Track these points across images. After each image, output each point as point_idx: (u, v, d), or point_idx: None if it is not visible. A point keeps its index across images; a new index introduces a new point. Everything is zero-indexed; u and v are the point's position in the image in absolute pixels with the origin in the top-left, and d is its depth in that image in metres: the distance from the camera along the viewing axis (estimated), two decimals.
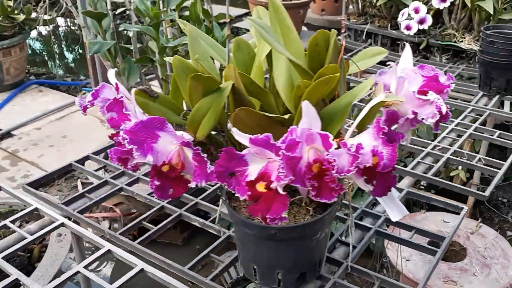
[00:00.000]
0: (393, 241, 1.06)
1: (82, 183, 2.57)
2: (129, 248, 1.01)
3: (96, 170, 1.28)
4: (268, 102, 0.78)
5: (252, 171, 0.66)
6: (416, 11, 1.79)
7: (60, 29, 5.19)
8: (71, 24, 5.17)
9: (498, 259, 1.63)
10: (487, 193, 1.19)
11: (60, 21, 5.19)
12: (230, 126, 0.86)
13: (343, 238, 1.03)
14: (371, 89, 0.77)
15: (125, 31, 2.01)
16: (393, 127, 0.70)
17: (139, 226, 1.08)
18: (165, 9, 1.68)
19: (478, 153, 1.94)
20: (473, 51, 1.90)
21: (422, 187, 2.31)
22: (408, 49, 0.77)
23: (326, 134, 0.59)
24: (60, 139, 2.92)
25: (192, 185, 0.70)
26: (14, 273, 0.90)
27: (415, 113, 0.67)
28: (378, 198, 0.83)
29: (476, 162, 1.30)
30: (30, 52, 4.41)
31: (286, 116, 0.70)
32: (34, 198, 1.15)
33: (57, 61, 4.33)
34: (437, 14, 2.04)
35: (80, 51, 4.58)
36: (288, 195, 0.85)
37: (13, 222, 1.06)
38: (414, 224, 1.60)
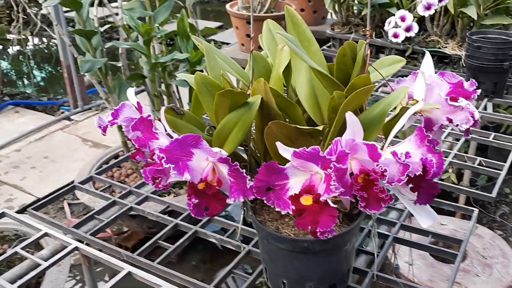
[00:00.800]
0: (413, 247, 1.08)
1: (69, 204, 2.51)
2: (148, 268, 0.99)
3: (101, 191, 1.25)
4: (295, 115, 0.78)
5: (293, 185, 0.65)
6: (403, 19, 1.83)
7: (34, 48, 5.09)
8: (45, 44, 5.07)
9: (498, 258, 1.67)
10: (494, 194, 1.22)
11: (34, 40, 5.09)
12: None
13: (363, 246, 1.04)
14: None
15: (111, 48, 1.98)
16: None
17: (155, 246, 1.06)
18: (154, 25, 1.67)
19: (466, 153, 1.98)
20: (457, 56, 1.95)
21: None
22: (428, 57, 0.79)
23: (373, 145, 0.59)
24: (41, 160, 2.85)
25: (230, 201, 0.69)
26: None
27: (449, 119, 0.68)
28: (404, 202, 0.83)
29: (477, 165, 1.33)
30: (2, 73, 4.29)
31: (320, 127, 0.70)
32: (40, 222, 1.12)
33: (32, 81, 4.23)
34: (419, 22, 2.09)
35: (54, 70, 4.48)
36: None
37: (23, 248, 1.03)
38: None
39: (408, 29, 1.83)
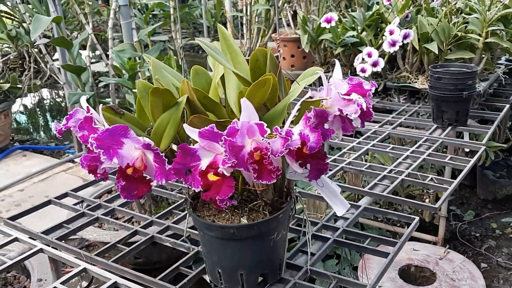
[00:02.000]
0: (353, 248, 1.15)
1: None
2: (103, 266, 1.07)
3: (74, 205, 1.36)
4: (221, 114, 0.89)
5: (204, 165, 0.76)
6: (369, 55, 1.96)
7: (45, 97, 5.37)
8: (55, 95, 5.34)
9: (466, 281, 1.70)
10: (437, 205, 1.29)
11: (45, 92, 5.37)
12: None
13: (308, 249, 1.11)
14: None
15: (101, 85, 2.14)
16: (326, 126, 0.81)
17: (113, 249, 1.15)
18: (140, 61, 1.83)
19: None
20: (427, 90, 2.07)
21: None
22: (337, 65, 0.90)
23: (261, 123, 0.70)
24: (42, 199, 2.95)
25: (154, 183, 0.80)
26: None
27: (340, 110, 0.78)
28: (323, 195, 0.93)
29: (428, 181, 1.41)
30: (14, 121, 4.53)
31: (233, 120, 0.81)
32: (15, 230, 1.22)
33: (41, 129, 4.45)
34: (392, 60, 2.23)
35: (63, 119, 4.70)
36: (247, 203, 0.96)
37: None
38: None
39: (374, 64, 1.96)
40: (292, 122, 0.77)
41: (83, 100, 0.96)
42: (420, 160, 1.56)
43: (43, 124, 4.66)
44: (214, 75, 0.99)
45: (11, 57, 3.69)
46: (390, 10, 2.15)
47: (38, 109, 4.97)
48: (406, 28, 1.98)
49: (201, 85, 1.00)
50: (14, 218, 1.27)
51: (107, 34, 1.99)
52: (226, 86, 0.95)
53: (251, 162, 0.70)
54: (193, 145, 0.77)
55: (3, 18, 3.67)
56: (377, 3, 2.27)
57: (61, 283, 1.01)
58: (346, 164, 1.55)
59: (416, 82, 2.09)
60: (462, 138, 1.98)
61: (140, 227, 1.20)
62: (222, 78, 0.97)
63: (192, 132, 0.74)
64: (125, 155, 0.80)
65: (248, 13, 2.92)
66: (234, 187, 0.71)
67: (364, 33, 2.15)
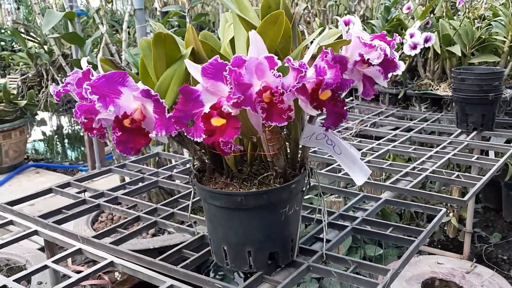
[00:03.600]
0: (373, 237, 1.05)
1: None
2: (98, 248, 0.99)
3: (77, 193, 1.29)
4: None
5: (207, 109, 0.68)
6: None
7: (61, 116, 5.40)
8: (72, 118, 5.37)
9: None
10: (466, 197, 1.18)
11: (63, 116, 5.41)
12: None
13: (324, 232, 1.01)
14: None
15: None
16: (345, 76, 0.73)
17: (114, 232, 1.07)
18: None
19: None
20: (449, 97, 1.98)
21: None
22: (357, 19, 0.83)
23: (271, 56, 0.62)
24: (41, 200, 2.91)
25: (153, 135, 0.72)
26: None
27: (361, 55, 0.71)
28: (341, 163, 0.83)
29: (454, 178, 1.31)
30: (29, 140, 4.54)
31: None
32: (10, 214, 1.15)
33: (56, 148, 4.44)
34: (412, 69, 2.16)
35: (78, 139, 4.70)
36: (256, 176, 0.87)
37: None
38: (407, 266, 1.57)
39: None
40: None
41: (84, 61, 0.90)
42: (445, 159, 1.46)
43: (57, 142, 4.66)
44: (223, 39, 0.92)
45: (30, 75, 3.72)
46: (410, 16, 2.10)
47: (53, 127, 4.98)
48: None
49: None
50: (12, 203, 1.20)
51: (120, 36, 1.96)
52: (236, 47, 0.88)
53: (259, 101, 0.62)
54: None
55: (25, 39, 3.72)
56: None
57: (53, 261, 0.92)
58: (365, 162, 1.46)
59: (438, 89, 2.00)
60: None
61: (143, 213, 1.12)
62: (232, 43, 0.91)
63: (194, 69, 0.66)
64: (123, 105, 0.73)
65: None
66: (239, 129, 0.63)
67: None
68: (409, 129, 1.84)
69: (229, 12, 1.00)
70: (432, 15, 2.10)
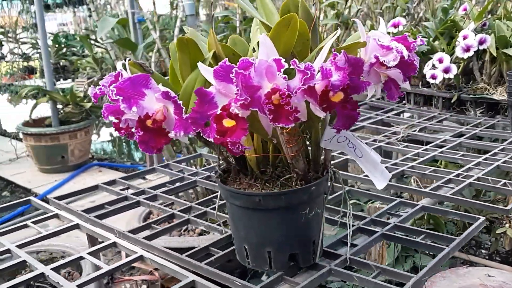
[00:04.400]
0: (404, 244, 1.02)
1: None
2: (132, 242, 1.04)
3: (121, 190, 1.35)
4: None
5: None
6: (440, 61, 1.83)
7: None
8: None
9: None
10: (509, 207, 1.13)
11: None
12: None
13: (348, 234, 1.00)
14: None
15: None
16: (362, 78, 0.73)
17: (148, 228, 1.12)
18: None
19: None
20: (506, 101, 1.88)
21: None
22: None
23: (279, 58, 0.63)
24: None
25: (172, 135, 0.75)
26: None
27: (376, 57, 0.70)
28: (362, 167, 0.83)
29: (500, 185, 1.25)
30: (97, 140, 4.80)
31: None
32: (57, 207, 1.23)
33: (120, 148, 4.65)
34: (468, 73, 2.07)
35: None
36: (279, 178, 0.88)
37: (34, 223, 1.14)
38: (455, 277, 1.52)
39: (446, 70, 1.82)
40: None
41: (119, 64, 0.95)
42: (493, 166, 1.39)
43: (121, 143, 4.88)
44: (252, 42, 0.94)
45: (95, 79, 3.92)
46: (465, 18, 2.02)
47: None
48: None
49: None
50: (59, 198, 1.28)
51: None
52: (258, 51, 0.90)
53: (267, 103, 0.63)
54: None
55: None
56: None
57: (88, 253, 0.98)
58: (408, 167, 1.42)
59: (494, 93, 1.91)
60: None
61: (178, 211, 1.16)
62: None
63: (207, 72, 0.69)
64: (146, 106, 0.77)
65: None
66: (247, 130, 0.65)
67: (437, 42, 2.02)
68: (460, 135, 1.77)
69: None
70: (490, 16, 2.01)
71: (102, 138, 5.12)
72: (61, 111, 3.71)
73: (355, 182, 1.99)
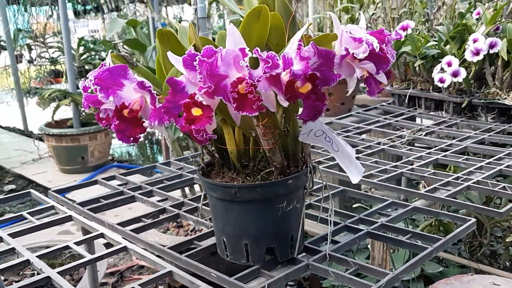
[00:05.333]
0: (388, 242, 1.01)
1: None
2: (124, 236, 1.05)
3: (118, 186, 1.38)
4: None
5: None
6: (449, 64, 1.80)
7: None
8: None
9: None
10: (503, 210, 1.10)
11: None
12: None
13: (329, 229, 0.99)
14: None
15: None
16: (335, 71, 0.73)
17: (139, 221, 1.13)
18: None
19: None
20: None
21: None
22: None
23: (243, 48, 0.64)
24: (125, 210, 3.09)
25: (146, 124, 0.77)
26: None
27: (346, 49, 0.70)
28: (339, 161, 0.82)
29: (499, 189, 1.22)
30: (119, 143, 4.88)
31: None
32: (55, 200, 1.26)
33: (141, 151, 4.73)
34: (480, 78, 2.03)
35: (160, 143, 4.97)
36: (261, 172, 0.89)
37: (30, 214, 1.17)
38: (459, 284, 1.49)
39: (455, 74, 1.79)
40: None
41: (108, 58, 0.97)
42: (495, 170, 1.36)
43: (140, 146, 4.96)
44: None
45: None
46: (478, 21, 1.98)
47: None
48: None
49: None
50: (58, 191, 1.31)
51: None
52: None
53: (231, 91, 0.64)
54: None
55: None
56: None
57: (74, 243, 1.00)
58: (407, 170, 1.41)
59: (506, 98, 1.87)
60: None
61: (169, 206, 1.18)
62: None
63: (176, 61, 0.70)
64: (124, 96, 0.79)
65: None
66: (212, 118, 0.66)
67: (448, 46, 1.99)
68: (467, 139, 1.74)
69: None
70: (504, 20, 1.97)
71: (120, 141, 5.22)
72: (83, 113, 3.79)
73: (372, 188, 1.96)
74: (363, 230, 1.01)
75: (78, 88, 4.01)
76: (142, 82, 0.76)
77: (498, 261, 2.28)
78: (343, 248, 0.96)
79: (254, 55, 0.63)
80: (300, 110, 0.70)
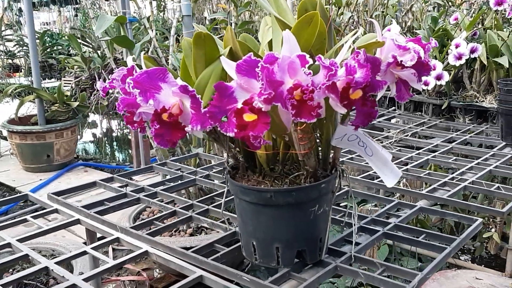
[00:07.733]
0: (404, 242, 1.04)
1: (113, 249, 2.62)
2: (135, 238, 1.03)
3: (119, 187, 1.35)
4: None
5: (240, 105, 0.71)
6: (433, 68, 1.87)
7: (111, 121, 5.60)
8: (122, 122, 5.56)
9: None
10: (505, 209, 1.16)
11: (112, 119, 5.61)
12: None
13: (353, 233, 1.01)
14: None
15: None
16: (378, 77, 0.74)
17: (150, 224, 1.11)
18: None
19: None
20: (495, 109, 1.93)
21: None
22: (394, 24, 0.84)
23: (303, 54, 0.65)
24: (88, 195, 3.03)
25: (188, 129, 0.76)
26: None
27: (394, 56, 0.72)
28: (372, 165, 0.84)
29: (494, 189, 1.28)
30: (81, 140, 4.74)
31: None
32: (56, 203, 1.22)
33: (105, 149, 4.61)
34: (457, 81, 2.12)
35: (126, 142, 4.86)
36: (288, 175, 0.89)
37: (34, 217, 1.13)
38: (443, 280, 1.54)
39: (438, 77, 1.86)
40: None
41: (129, 59, 0.95)
42: (486, 171, 1.43)
43: (106, 144, 4.84)
44: (262, 41, 0.96)
45: (83, 78, 3.89)
46: (456, 27, 2.07)
47: (103, 133, 5.17)
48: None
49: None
50: (57, 194, 1.27)
51: (168, 42, 2.03)
52: (273, 48, 0.91)
53: (289, 98, 0.65)
54: None
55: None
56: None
57: (91, 248, 0.98)
58: (402, 170, 1.45)
59: (483, 101, 1.96)
60: None
61: (180, 208, 1.16)
62: (270, 45, 0.93)
63: (229, 66, 0.70)
64: (162, 100, 0.77)
65: None
66: (269, 124, 0.66)
67: None
68: (451, 141, 1.81)
69: (269, 16, 1.03)
70: (480, 26, 2.06)
71: (84, 139, 5.07)
72: (48, 110, 3.66)
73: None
74: (379, 231, 1.04)
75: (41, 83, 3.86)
76: (185, 86, 0.75)
77: (467, 256, 2.39)
78: (364, 249, 0.98)
79: (317, 62, 0.64)
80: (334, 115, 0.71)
